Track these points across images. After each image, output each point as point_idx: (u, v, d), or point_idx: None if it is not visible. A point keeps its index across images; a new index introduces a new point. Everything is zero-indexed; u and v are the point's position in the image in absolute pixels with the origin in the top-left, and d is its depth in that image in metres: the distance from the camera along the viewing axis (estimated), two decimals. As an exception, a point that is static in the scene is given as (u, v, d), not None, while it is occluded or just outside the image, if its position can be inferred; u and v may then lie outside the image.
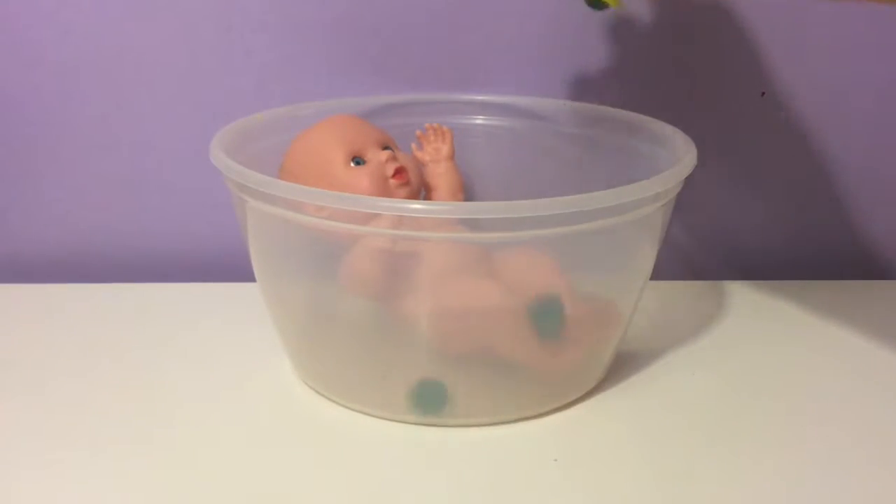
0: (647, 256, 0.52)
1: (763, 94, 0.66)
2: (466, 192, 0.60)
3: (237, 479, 0.45)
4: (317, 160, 0.54)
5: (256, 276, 0.53)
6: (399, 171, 0.54)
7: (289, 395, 0.53)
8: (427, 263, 0.47)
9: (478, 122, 0.63)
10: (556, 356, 0.50)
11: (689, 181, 0.50)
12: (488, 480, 0.45)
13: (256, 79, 0.66)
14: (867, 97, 0.66)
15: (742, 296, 0.65)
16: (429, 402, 0.49)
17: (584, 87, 0.65)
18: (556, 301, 0.48)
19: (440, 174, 0.58)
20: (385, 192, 0.53)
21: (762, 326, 0.61)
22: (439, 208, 0.47)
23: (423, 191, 0.58)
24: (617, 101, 0.62)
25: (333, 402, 0.52)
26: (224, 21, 0.64)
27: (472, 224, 0.45)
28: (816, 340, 0.60)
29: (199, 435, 0.49)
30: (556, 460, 0.47)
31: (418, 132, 0.59)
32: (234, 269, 0.60)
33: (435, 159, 0.59)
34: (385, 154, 0.54)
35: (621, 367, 0.55)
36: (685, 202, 0.52)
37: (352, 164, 0.54)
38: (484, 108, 0.63)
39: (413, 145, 0.60)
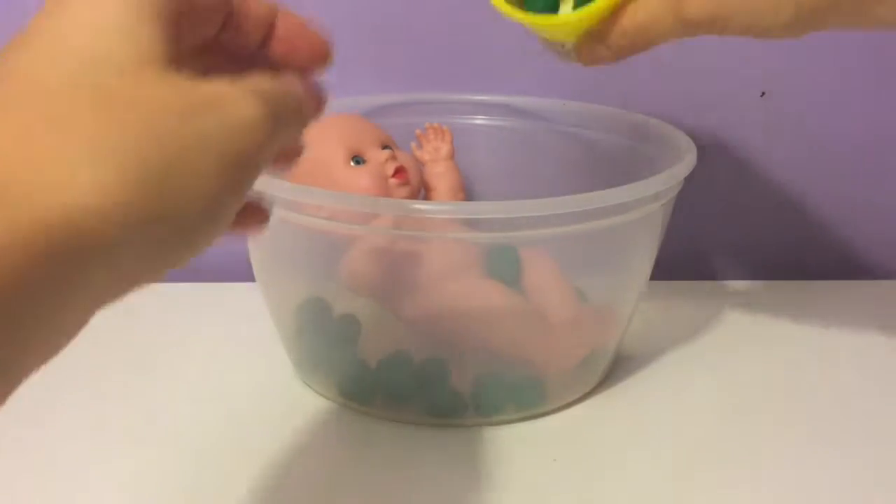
0: (647, 256, 0.52)
1: (763, 94, 0.66)
2: (466, 192, 0.60)
3: (237, 479, 0.45)
4: (317, 159, 0.54)
5: (256, 276, 0.53)
6: (399, 171, 0.54)
7: (289, 394, 0.53)
8: (427, 263, 0.47)
9: (478, 122, 0.63)
10: (556, 356, 0.50)
11: (689, 181, 0.50)
12: (488, 480, 0.45)
13: (256, 79, 0.65)
14: (867, 95, 0.66)
15: (741, 296, 0.66)
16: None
17: (584, 87, 0.65)
18: (513, 249, 0.49)
19: (440, 174, 0.58)
20: (385, 191, 0.53)
21: (762, 326, 0.61)
22: (439, 208, 0.47)
23: (422, 191, 0.58)
24: (617, 101, 0.62)
25: (334, 401, 0.52)
26: (224, 21, 0.64)
27: (472, 224, 0.45)
28: (816, 340, 0.60)
29: (200, 435, 0.49)
30: (555, 460, 0.47)
31: (418, 132, 0.59)
32: (234, 269, 0.60)
33: (434, 159, 0.59)
34: (385, 153, 0.54)
35: (621, 367, 0.55)
36: (685, 202, 0.52)
37: (352, 164, 0.54)
38: (484, 108, 0.63)
39: (413, 145, 0.59)
